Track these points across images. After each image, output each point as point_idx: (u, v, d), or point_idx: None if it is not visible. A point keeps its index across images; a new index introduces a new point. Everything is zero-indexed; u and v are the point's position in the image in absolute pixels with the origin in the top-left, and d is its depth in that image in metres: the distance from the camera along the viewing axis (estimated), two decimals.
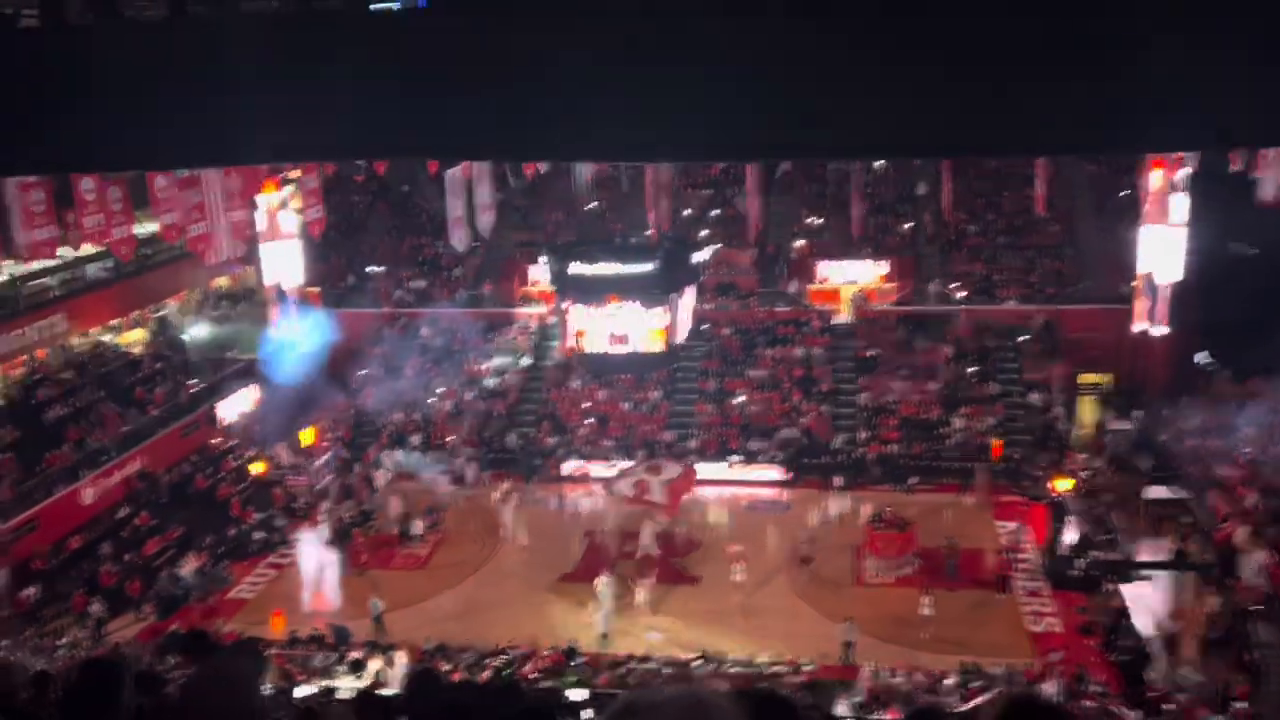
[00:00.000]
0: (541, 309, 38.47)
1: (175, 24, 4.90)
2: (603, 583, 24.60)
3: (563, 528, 30.23)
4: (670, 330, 28.65)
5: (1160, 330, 33.21)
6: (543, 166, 33.39)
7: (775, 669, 21.37)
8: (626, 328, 28.68)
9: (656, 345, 28.75)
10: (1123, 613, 23.33)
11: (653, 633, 24.16)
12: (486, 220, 28.64)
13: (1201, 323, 32.80)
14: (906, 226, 40.07)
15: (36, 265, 29.32)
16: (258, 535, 29.59)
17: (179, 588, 26.55)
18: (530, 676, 21.11)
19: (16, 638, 23.48)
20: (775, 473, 32.52)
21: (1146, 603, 24.46)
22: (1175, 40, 3.72)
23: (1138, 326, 34.02)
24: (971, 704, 19.16)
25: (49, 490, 27.60)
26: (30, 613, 24.94)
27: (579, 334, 29.36)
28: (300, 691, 19.33)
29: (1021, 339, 35.80)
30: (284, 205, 27.41)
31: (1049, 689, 19.65)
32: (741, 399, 35.15)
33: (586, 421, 35.02)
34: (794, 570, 26.82)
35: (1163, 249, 32.86)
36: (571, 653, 22.34)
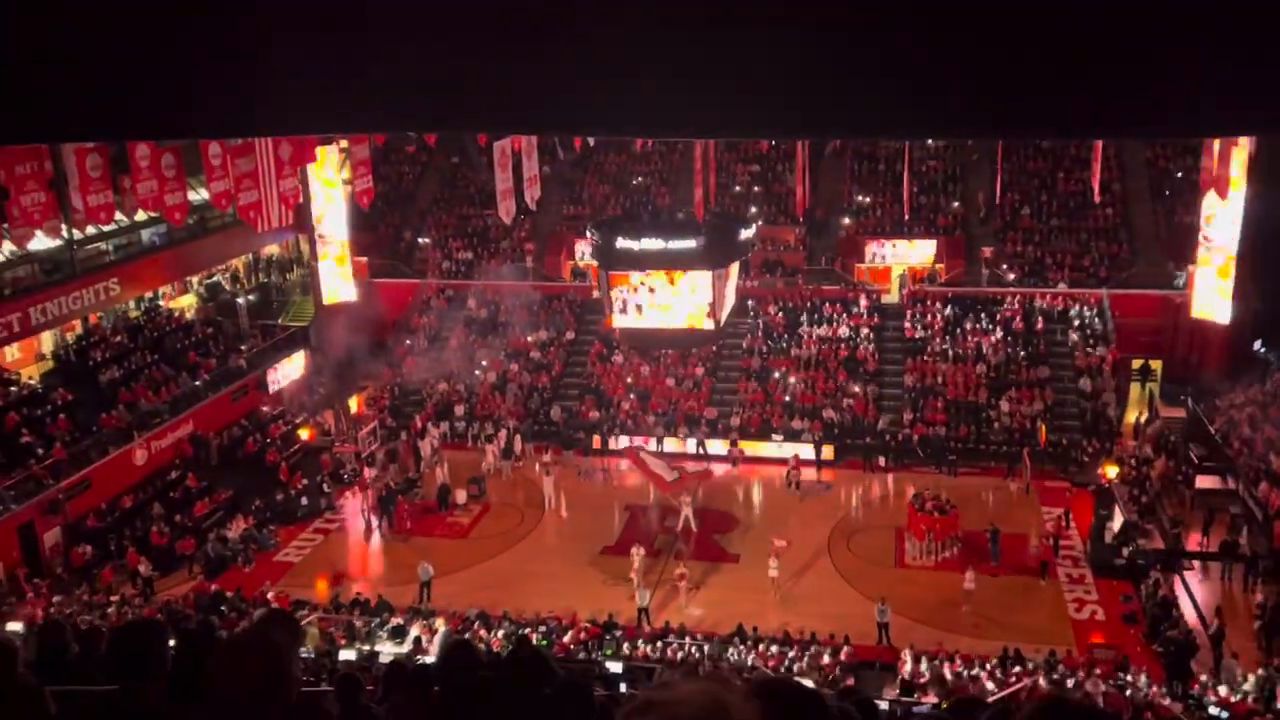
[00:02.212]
0: (587, 282, 38.54)
1: None
2: (638, 555, 24.73)
3: (604, 501, 30.35)
4: (715, 307, 28.55)
5: (1216, 317, 32.57)
6: (591, 140, 33.28)
7: (813, 648, 21.35)
8: (670, 303, 28.64)
9: (700, 322, 28.69)
10: (1169, 603, 22.99)
11: (691, 608, 24.23)
12: (534, 193, 28.64)
13: (1259, 310, 32.08)
14: (957, 206, 39.51)
15: (91, 230, 29.79)
16: (304, 500, 30.04)
17: (227, 549, 27.04)
18: (569, 648, 21.29)
19: (70, 594, 24.07)
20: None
21: (1194, 593, 24.13)
22: (1236, 20, 3.59)
23: (1193, 312, 33.40)
24: (1009, 690, 19.04)
25: (103, 451, 28.19)
26: (83, 570, 25.55)
27: (623, 308, 29.35)
28: (344, 654, 19.68)
29: (1073, 323, 35.23)
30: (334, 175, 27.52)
31: (1087, 680, 19.46)
32: (786, 377, 34.97)
33: (630, 396, 35.08)
34: (834, 550, 26.76)
35: (1221, 234, 32.20)
36: (610, 625, 22.48)
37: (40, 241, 27.89)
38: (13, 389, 28.84)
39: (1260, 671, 20.09)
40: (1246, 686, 19.74)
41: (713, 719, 1.61)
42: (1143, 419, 33.19)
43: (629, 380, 35.81)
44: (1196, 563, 25.45)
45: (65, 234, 29.45)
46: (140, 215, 29.90)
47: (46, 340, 31.30)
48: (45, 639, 4.68)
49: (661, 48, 4.78)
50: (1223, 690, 19.59)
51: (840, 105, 4.80)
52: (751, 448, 32.63)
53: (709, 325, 29.01)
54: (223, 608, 22.87)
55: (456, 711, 3.24)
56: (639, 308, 29.13)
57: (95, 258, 32.84)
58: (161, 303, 36.60)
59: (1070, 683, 19.47)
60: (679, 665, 19.54)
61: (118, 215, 25.27)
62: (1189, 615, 22.99)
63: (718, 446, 32.73)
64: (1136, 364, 35.37)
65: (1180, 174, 37.93)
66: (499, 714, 3.06)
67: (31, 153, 18.29)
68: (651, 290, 28.61)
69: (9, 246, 23.32)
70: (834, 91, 4.73)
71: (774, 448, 32.74)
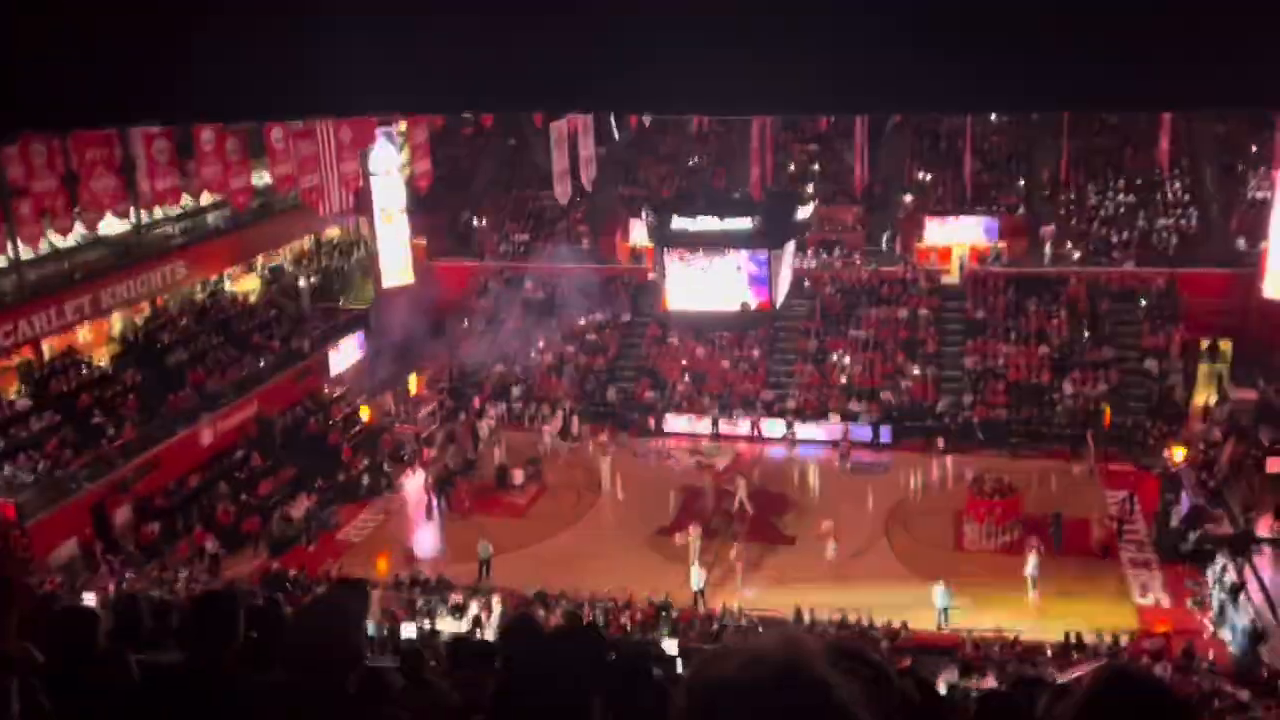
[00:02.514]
0: (644, 264, 38.53)
1: None
2: (694, 534, 24.80)
3: (660, 482, 30.41)
4: (771, 288, 28.39)
5: None
6: (647, 120, 33.18)
7: (870, 632, 21.24)
8: (726, 284, 28.53)
9: (755, 303, 28.55)
10: (1237, 589, 22.49)
11: (747, 590, 24.22)
12: (590, 174, 28.65)
13: None
14: (1021, 183, 38.77)
15: (158, 213, 30.40)
16: (366, 480, 30.50)
17: (290, 528, 27.58)
18: (626, 628, 21.42)
19: (140, 570, 24.73)
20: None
21: (1263, 579, 23.56)
22: None
23: (1266, 292, 32.47)
24: (1072, 675, 18.78)
25: (170, 431, 28.86)
26: (152, 547, 26.22)
27: (679, 289, 29.31)
28: (405, 631, 20.00)
29: (1139, 303, 34.47)
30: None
31: (1155, 664, 19.13)
32: (843, 359, 34.70)
33: (685, 378, 35.06)
34: (892, 533, 26.59)
35: None
36: (665, 606, 22.56)
37: (109, 226, 28.61)
38: (84, 371, 29.61)
39: None
40: None
41: (793, 665, 1.58)
42: (1212, 401, 32.42)
43: (684, 362, 35.79)
44: (1267, 548, 24.83)
45: (133, 218, 30.15)
46: (205, 199, 30.45)
47: (116, 322, 32.07)
48: (120, 610, 4.82)
49: (716, 25, 4.75)
50: None
51: (897, 78, 4.73)
52: (807, 430, 32.47)
53: (765, 306, 28.83)
54: (287, 585, 23.34)
55: (520, 683, 3.28)
56: (695, 289, 29.06)
57: (162, 241, 33.53)
58: (226, 285, 37.29)
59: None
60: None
61: (184, 199, 25.80)
62: (1258, 601, 22.47)
63: (774, 426, 32.62)
64: (1205, 344, 34.50)
65: (1255, 148, 36.83)
66: (561, 685, 3.09)
67: (102, 139, 18.71)
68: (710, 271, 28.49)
69: (81, 230, 23.87)
70: (893, 64, 4.66)
71: (829, 430, 32.53)
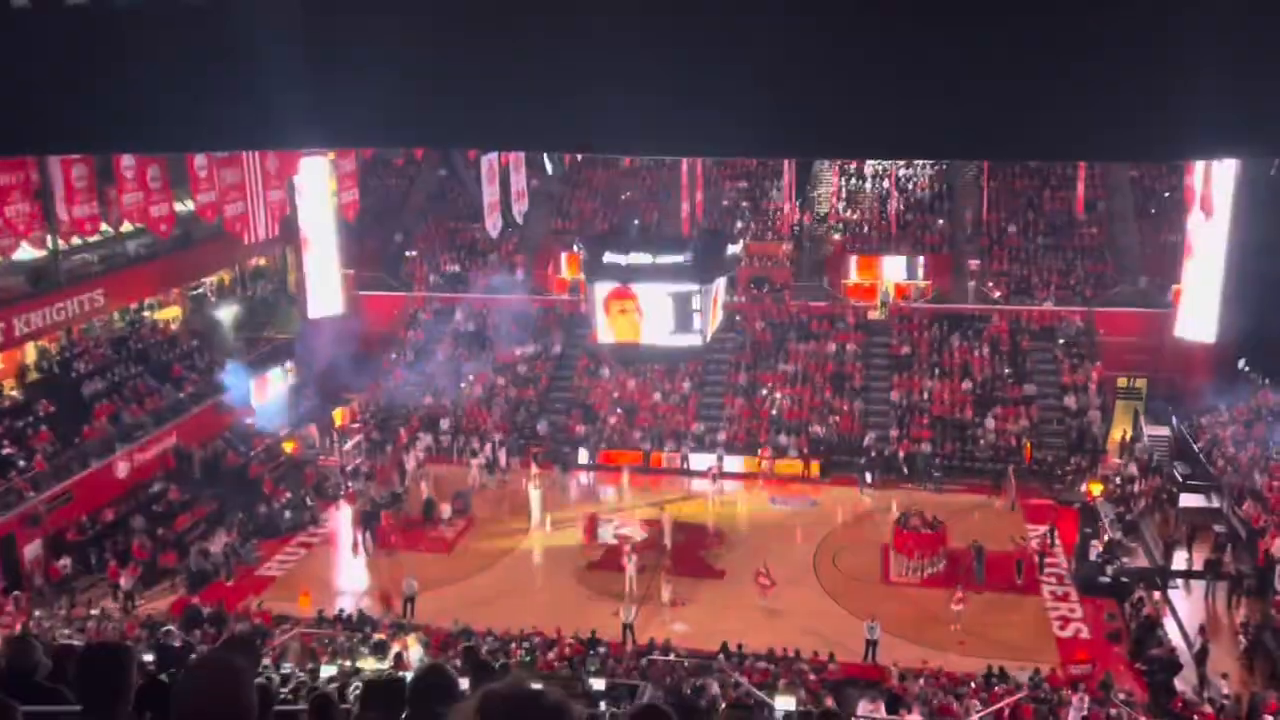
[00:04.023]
0: (574, 297, 38.53)
1: (216, 5, 4.90)
2: (631, 561, 24.78)
3: (588, 516, 30.24)
4: (702, 322, 28.52)
5: (1201, 335, 32.72)
6: (579, 155, 33.34)
7: (799, 665, 21.28)
8: (656, 318, 28.58)
9: (687, 337, 28.63)
10: (1153, 621, 23.03)
11: (678, 624, 24.16)
12: (521, 207, 28.64)
13: (1243, 329, 32.26)
14: (942, 224, 39.68)
15: (76, 240, 29.62)
16: (288, 514, 29.87)
17: (209, 563, 26.86)
18: (554, 665, 21.17)
19: (50, 609, 23.85)
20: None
21: (1178, 612, 24.17)
22: (1227, 46, 3.61)
23: (1178, 331, 33.57)
24: (993, 709, 19.02)
25: (85, 463, 27.99)
26: (63, 584, 25.32)
27: (610, 323, 29.31)
28: (325, 671, 19.51)
29: (1058, 341, 35.40)
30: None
31: (1074, 695, 19.46)
32: (773, 393, 35.02)
33: (616, 411, 35.04)
34: (820, 567, 26.76)
35: (1205, 253, 32.37)
36: (594, 642, 22.36)
37: (25, 252, 27.79)
38: None
39: (1232, 689, 20.20)
40: (1226, 705, 19.78)
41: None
42: (1128, 437, 33.33)
43: (615, 395, 35.80)
44: (1180, 581, 25.50)
45: (50, 245, 29.36)
46: (126, 226, 29.79)
47: (30, 352, 31.10)
48: (14, 657, 4.63)
49: (646, 68, 4.80)
50: (1206, 709, 19.62)
51: (821, 125, 4.82)
52: (734, 464, 32.65)
53: (696, 340, 28.96)
54: (204, 622, 22.69)
55: None
56: (625, 323, 29.07)
57: (80, 269, 32.66)
58: (146, 314, 36.42)
59: (1056, 699, 19.48)
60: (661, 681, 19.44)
61: (103, 226, 25.20)
62: (1173, 634, 23.03)
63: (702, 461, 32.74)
64: (1122, 382, 35.52)
65: (1166, 193, 38.21)
66: None
67: (17, 164, 18.24)
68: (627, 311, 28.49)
69: None
70: (815, 111, 4.75)
71: (757, 462, 32.78)
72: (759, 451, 32.83)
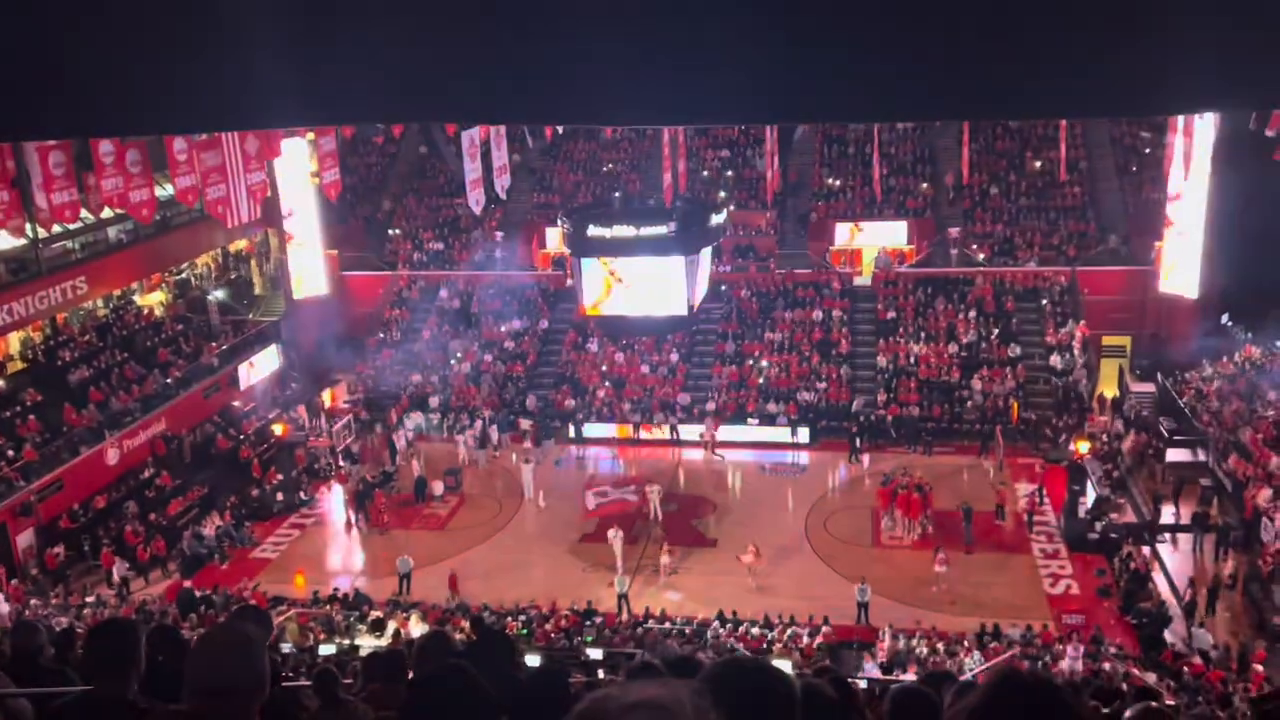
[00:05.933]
0: (563, 271, 38.46)
1: None
2: (617, 538, 24.88)
3: (581, 489, 30.35)
4: (688, 292, 28.54)
5: (1184, 292, 32.93)
6: (560, 128, 33.17)
7: (793, 629, 21.50)
8: (643, 290, 28.59)
9: (674, 308, 28.66)
10: (1141, 575, 23.31)
11: (671, 593, 24.32)
12: (504, 182, 28.54)
13: (1226, 285, 32.47)
14: (926, 187, 39.68)
15: (57, 228, 29.37)
16: (280, 496, 29.88)
17: (203, 547, 26.88)
18: (550, 636, 21.34)
19: (45, 596, 23.86)
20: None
21: (1166, 565, 24.46)
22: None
23: (1161, 288, 33.77)
24: (987, 665, 19.25)
25: (74, 451, 27.91)
26: (57, 572, 25.32)
27: (596, 296, 29.30)
28: (324, 649, 19.63)
29: (1042, 301, 35.53)
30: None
31: (1065, 648, 19.72)
32: (760, 361, 35.10)
33: (605, 384, 35.09)
34: (812, 532, 26.96)
35: (1187, 210, 32.50)
36: (589, 613, 22.53)
37: (4, 240, 27.57)
38: None
39: (1220, 640, 20.50)
40: (1214, 655, 20.07)
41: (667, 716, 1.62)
42: (1113, 395, 33.56)
43: (604, 368, 35.83)
44: (1168, 535, 25.79)
45: (30, 233, 29.10)
46: (106, 212, 29.57)
47: (13, 341, 30.91)
48: (18, 640, 4.65)
49: (626, 35, 4.78)
50: (1196, 660, 19.91)
51: (804, 91, 4.82)
52: (726, 432, 32.75)
53: (683, 311, 28.98)
54: (201, 606, 22.75)
55: (430, 697, 3.26)
56: (612, 295, 29.09)
57: (61, 256, 32.41)
58: (133, 299, 36.20)
59: (1048, 656, 19.73)
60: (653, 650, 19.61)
61: (83, 213, 24.99)
62: (1162, 587, 23.32)
63: (693, 431, 32.84)
64: (1107, 340, 35.69)
65: (1147, 150, 38.25)
66: (473, 698, 3.09)
67: None
68: (620, 280, 28.49)
69: None
70: (799, 77, 4.75)
71: (749, 431, 32.90)
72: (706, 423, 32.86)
